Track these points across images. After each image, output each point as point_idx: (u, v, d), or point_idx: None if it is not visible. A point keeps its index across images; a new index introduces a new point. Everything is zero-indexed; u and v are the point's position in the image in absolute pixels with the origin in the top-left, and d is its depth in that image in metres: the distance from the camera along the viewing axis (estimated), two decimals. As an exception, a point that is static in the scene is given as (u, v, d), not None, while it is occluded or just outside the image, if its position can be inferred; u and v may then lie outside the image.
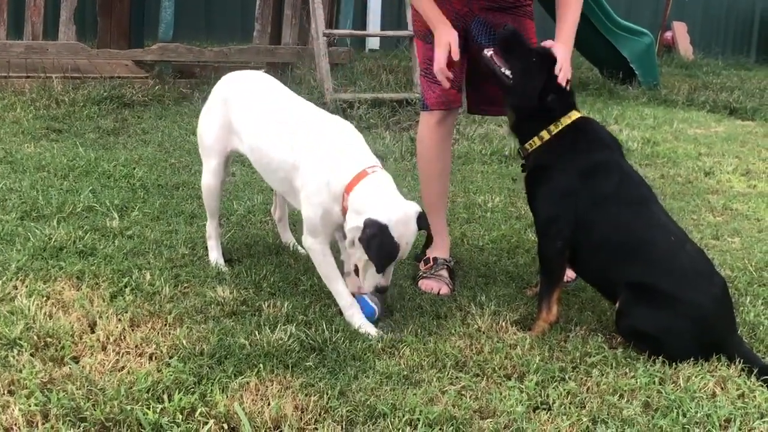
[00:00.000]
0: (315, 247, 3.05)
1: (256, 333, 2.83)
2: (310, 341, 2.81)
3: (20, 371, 2.50)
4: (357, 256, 2.95)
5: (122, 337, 2.77)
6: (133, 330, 2.83)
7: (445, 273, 3.44)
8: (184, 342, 2.75)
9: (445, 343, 2.87)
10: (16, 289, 3.06)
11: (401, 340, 2.89)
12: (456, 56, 3.22)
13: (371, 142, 5.63)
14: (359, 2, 8.77)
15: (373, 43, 11.47)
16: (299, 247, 3.59)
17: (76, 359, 2.62)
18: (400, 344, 2.86)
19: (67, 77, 6.86)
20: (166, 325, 2.89)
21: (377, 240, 2.81)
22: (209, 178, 3.42)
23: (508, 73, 3.15)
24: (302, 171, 3.01)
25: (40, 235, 3.50)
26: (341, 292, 3.04)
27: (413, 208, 2.94)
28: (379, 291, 2.99)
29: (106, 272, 3.23)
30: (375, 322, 3.02)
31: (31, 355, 2.61)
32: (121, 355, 2.67)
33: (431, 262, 3.47)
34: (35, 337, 2.69)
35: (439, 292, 3.36)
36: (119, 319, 2.87)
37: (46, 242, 3.44)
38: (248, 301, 3.11)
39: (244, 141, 3.28)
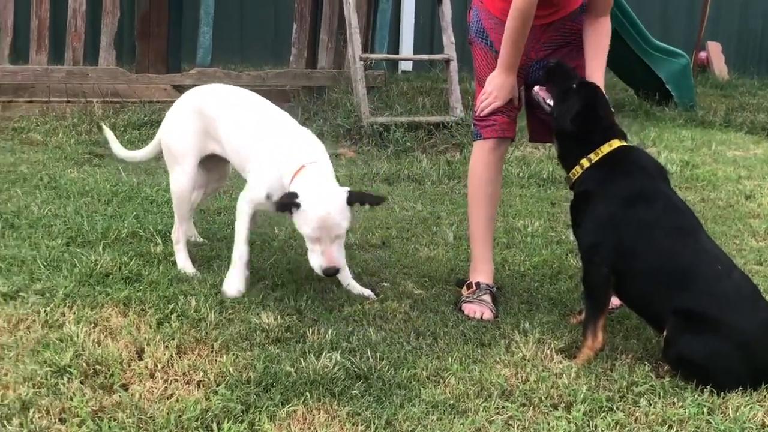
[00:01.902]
0: (244, 205, 3.42)
1: (301, 360, 2.84)
2: (355, 369, 2.81)
3: (71, 399, 2.53)
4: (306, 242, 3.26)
5: (170, 365, 2.79)
6: (180, 357, 2.85)
7: (488, 298, 3.44)
8: (231, 369, 2.76)
9: (490, 372, 2.86)
10: (64, 315, 3.10)
11: (445, 368, 2.88)
12: (516, 103, 3.40)
13: (408, 166, 5.68)
14: (393, 25, 8.80)
15: (405, 65, 11.51)
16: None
17: (125, 387, 2.65)
18: (445, 372, 2.86)
19: (107, 102, 6.96)
20: (212, 352, 2.91)
21: (281, 202, 3.20)
22: (183, 181, 3.62)
23: (550, 102, 3.22)
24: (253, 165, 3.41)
25: (86, 261, 3.54)
26: (240, 248, 3.42)
27: (340, 189, 3.27)
28: (326, 274, 3.21)
29: (152, 298, 3.26)
30: None
31: (81, 382, 2.63)
32: (169, 382, 2.69)
33: (474, 287, 3.47)
34: (84, 365, 2.71)
35: (482, 317, 3.35)
36: (166, 346, 2.89)
37: (92, 268, 3.48)
38: (292, 328, 3.13)
39: (224, 145, 3.56)
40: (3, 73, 7.00)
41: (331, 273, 3.25)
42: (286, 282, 3.57)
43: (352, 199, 3.26)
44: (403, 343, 3.08)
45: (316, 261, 3.23)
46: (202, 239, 4.05)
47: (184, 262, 3.66)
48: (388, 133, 6.23)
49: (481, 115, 3.43)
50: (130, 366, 2.76)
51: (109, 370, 2.71)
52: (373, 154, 6.02)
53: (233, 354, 2.89)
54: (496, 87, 3.34)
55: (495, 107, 3.36)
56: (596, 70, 3.31)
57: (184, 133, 3.62)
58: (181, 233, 3.69)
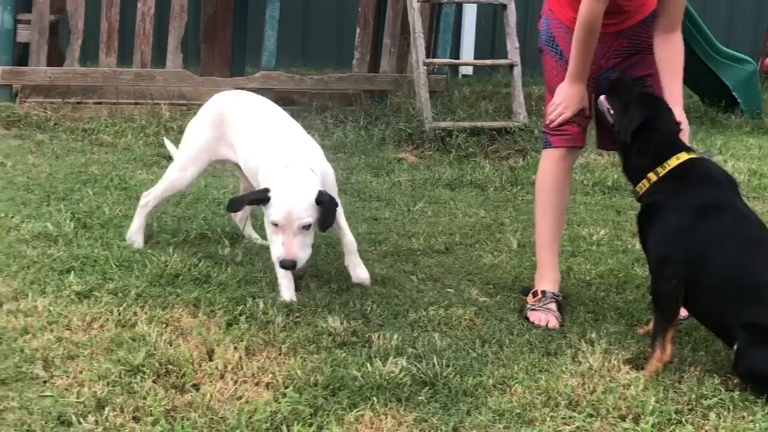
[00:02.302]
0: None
1: (368, 365, 2.86)
2: (421, 375, 2.83)
3: (144, 398, 2.59)
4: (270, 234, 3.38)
5: (239, 366, 2.83)
6: (249, 359, 2.89)
7: (554, 306, 3.43)
8: (299, 372, 2.80)
9: (557, 381, 2.85)
10: (136, 315, 3.16)
11: (512, 376, 2.88)
12: (586, 112, 3.39)
13: (470, 171, 5.67)
14: (453, 29, 8.79)
15: (466, 69, 11.49)
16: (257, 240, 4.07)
17: (196, 387, 2.70)
18: (511, 381, 2.85)
19: (173, 104, 7.07)
20: (280, 354, 2.95)
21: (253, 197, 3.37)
22: (182, 179, 3.85)
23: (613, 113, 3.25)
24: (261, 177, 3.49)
25: (157, 262, 3.61)
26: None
27: (312, 186, 3.34)
28: (284, 266, 3.29)
29: (221, 300, 3.31)
30: None
31: (154, 381, 2.69)
32: (239, 383, 2.73)
33: (540, 295, 3.46)
34: (157, 364, 2.77)
35: (547, 325, 3.34)
36: (236, 348, 2.94)
37: (163, 269, 3.55)
38: (358, 332, 3.15)
39: (238, 153, 3.72)
40: (74, 74, 7.16)
41: (285, 267, 3.31)
42: (350, 286, 3.60)
43: (321, 199, 3.31)
44: (468, 350, 3.08)
45: (276, 251, 3.30)
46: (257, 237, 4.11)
47: (135, 233, 3.87)
48: (450, 138, 6.23)
49: (552, 126, 3.42)
50: (200, 366, 2.81)
51: (180, 370, 2.76)
52: (435, 159, 6.02)
53: (301, 357, 2.92)
54: (566, 97, 3.33)
55: (565, 118, 3.35)
56: (674, 91, 3.28)
57: (199, 136, 3.81)
58: (152, 206, 3.92)
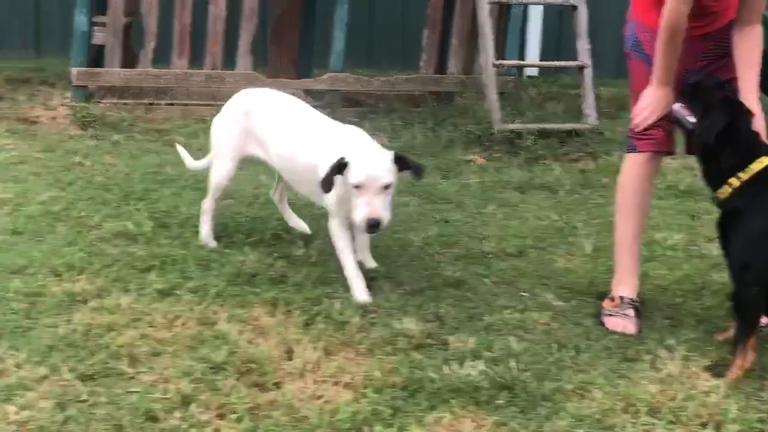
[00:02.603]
0: (334, 227, 3.58)
1: (445, 367, 2.88)
2: (499, 379, 2.83)
3: (228, 395, 2.64)
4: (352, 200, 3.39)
5: (318, 365, 2.87)
6: (327, 358, 2.93)
7: (631, 312, 3.40)
8: (377, 373, 2.83)
9: (636, 388, 2.84)
10: (216, 313, 3.23)
11: (590, 382, 2.87)
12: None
13: (540, 174, 5.64)
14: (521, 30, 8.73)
15: (530, 70, 11.40)
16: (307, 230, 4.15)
17: (277, 385, 2.74)
18: (590, 386, 2.84)
19: (243, 105, 7.15)
20: (357, 355, 2.98)
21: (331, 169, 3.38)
22: (222, 177, 3.98)
23: (692, 119, 3.20)
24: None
25: (234, 261, 3.68)
26: (349, 264, 3.53)
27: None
28: (369, 226, 3.33)
29: (298, 300, 3.36)
30: None
31: (236, 379, 2.75)
32: (318, 383, 2.77)
33: (617, 300, 3.43)
34: (239, 362, 2.83)
35: (624, 331, 3.32)
36: (314, 348, 2.98)
37: (240, 268, 3.61)
38: (433, 335, 3.17)
39: (269, 150, 3.82)
40: (146, 76, 7.29)
41: (373, 225, 3.34)
42: (424, 288, 3.61)
43: (397, 160, 3.43)
44: (545, 354, 3.08)
45: (361, 213, 3.33)
46: (304, 226, 4.18)
47: (206, 235, 3.96)
48: (519, 140, 6.20)
49: (637, 130, 3.38)
50: (280, 365, 2.86)
51: (261, 369, 2.81)
52: (503, 161, 5.99)
53: (378, 358, 2.95)
54: (651, 101, 3.29)
55: (650, 122, 3.31)
56: (750, 87, 3.24)
57: (228, 134, 3.97)
58: (210, 207, 4.01)
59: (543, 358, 3.04)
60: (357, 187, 3.34)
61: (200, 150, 5.84)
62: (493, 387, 2.79)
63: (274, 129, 3.84)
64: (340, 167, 3.38)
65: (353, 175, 3.35)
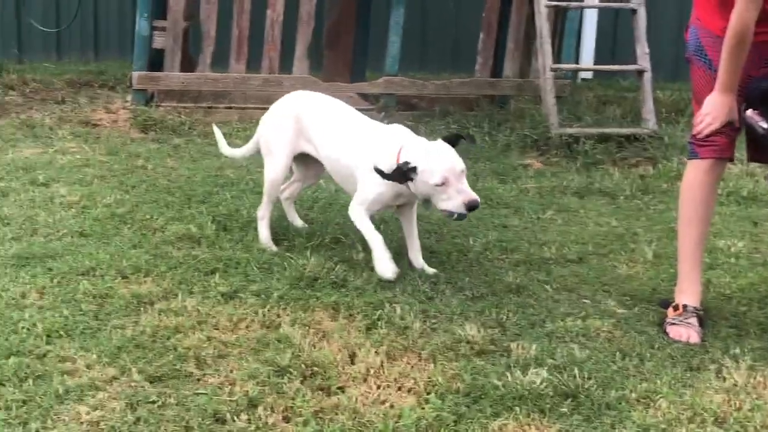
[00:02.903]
0: (360, 212, 3.76)
1: (508, 374, 2.87)
2: (563, 386, 2.81)
3: (293, 398, 2.67)
4: (437, 197, 3.52)
5: (381, 370, 2.89)
6: (390, 363, 2.94)
7: (695, 321, 3.36)
8: (440, 379, 2.83)
9: (701, 397, 2.80)
10: (279, 317, 3.26)
11: (655, 391, 2.84)
12: (736, 124, 3.28)
13: (599, 179, 5.59)
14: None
15: (585, 73, 11.31)
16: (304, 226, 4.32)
17: (341, 389, 2.76)
18: (655, 395, 2.82)
19: (299, 109, 7.21)
20: (420, 360, 2.99)
21: (398, 172, 3.54)
22: (277, 173, 4.09)
23: (764, 125, 3.15)
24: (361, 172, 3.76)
25: (296, 265, 3.71)
26: (377, 244, 3.69)
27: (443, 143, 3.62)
28: (473, 207, 3.50)
29: (359, 304, 3.38)
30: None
31: (301, 382, 2.77)
32: (382, 387, 2.79)
33: (681, 309, 3.40)
34: (303, 366, 2.85)
35: (688, 340, 3.28)
36: (376, 352, 2.99)
37: (302, 272, 3.64)
38: (496, 341, 3.17)
39: (319, 150, 3.99)
40: (205, 80, 7.39)
41: (475, 206, 3.50)
42: (485, 294, 3.61)
43: (451, 142, 3.62)
44: (608, 362, 3.05)
45: (456, 202, 3.47)
46: (303, 223, 4.37)
47: (266, 239, 4.04)
48: (577, 145, 6.16)
49: (700, 137, 3.34)
50: (344, 369, 2.88)
51: (325, 373, 2.84)
52: (561, 166, 5.97)
53: (440, 364, 2.96)
54: (714, 108, 3.25)
55: (713, 129, 3.27)
56: None
57: (281, 133, 4.08)
58: (267, 211, 4.09)
59: (606, 366, 3.02)
60: (441, 185, 3.46)
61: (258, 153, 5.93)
62: (556, 395, 2.78)
63: (321, 131, 3.99)
64: (409, 171, 3.50)
65: (434, 174, 3.47)
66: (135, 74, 7.22)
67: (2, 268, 3.54)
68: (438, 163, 3.48)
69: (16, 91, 8.08)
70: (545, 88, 6.48)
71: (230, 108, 7.25)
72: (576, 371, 2.91)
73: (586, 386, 2.83)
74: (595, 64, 9.17)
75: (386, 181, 3.61)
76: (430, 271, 3.84)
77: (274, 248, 4.00)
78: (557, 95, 6.76)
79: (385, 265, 3.65)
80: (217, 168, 5.43)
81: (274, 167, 4.09)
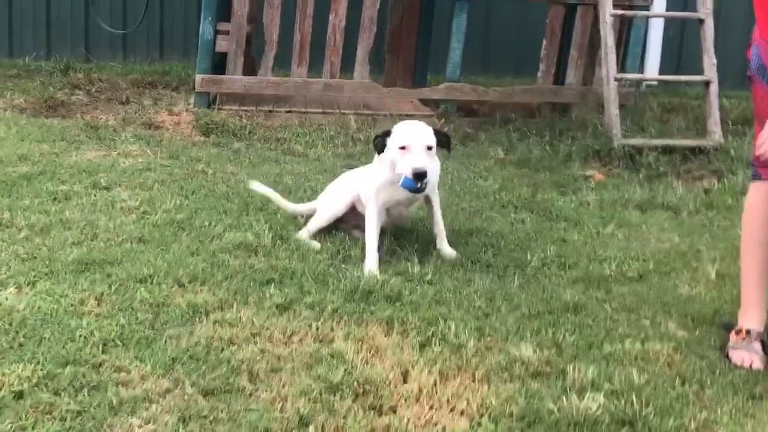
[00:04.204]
0: (370, 211, 4.04)
1: (563, 398, 2.81)
2: (620, 413, 2.75)
3: (344, 417, 2.65)
4: (397, 161, 3.87)
5: (434, 390, 2.85)
6: (443, 383, 2.91)
7: (758, 346, 3.26)
8: (493, 401, 2.79)
9: (764, 428, 2.71)
10: (333, 330, 3.25)
11: (715, 420, 2.76)
12: None
13: (662, 193, 5.47)
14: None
15: (651, 72, 11.12)
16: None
17: (393, 410, 2.74)
18: (715, 425, 2.73)
19: (358, 114, 7.23)
20: (473, 381, 2.95)
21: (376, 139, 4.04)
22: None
23: None
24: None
25: (351, 278, 3.70)
26: (371, 240, 3.96)
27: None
28: (416, 174, 3.76)
29: (414, 320, 3.35)
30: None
31: (353, 401, 2.75)
32: (434, 409, 2.75)
33: (744, 333, 3.30)
34: (355, 384, 2.83)
35: (751, 366, 3.18)
36: (430, 372, 2.96)
37: (356, 285, 3.63)
38: (551, 363, 3.10)
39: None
40: (267, 84, 7.45)
41: (419, 174, 3.75)
42: (541, 312, 3.55)
43: (438, 131, 4.00)
44: (667, 388, 2.97)
45: (408, 164, 3.78)
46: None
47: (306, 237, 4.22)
48: (639, 156, 6.05)
49: (762, 159, 3.23)
50: (396, 388, 2.85)
51: (378, 391, 2.81)
52: (623, 178, 5.86)
53: (494, 385, 2.91)
54: None
55: None
56: None
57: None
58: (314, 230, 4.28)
59: (665, 393, 2.94)
60: (402, 148, 3.82)
61: (317, 160, 5.96)
62: (613, 422, 2.71)
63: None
64: (385, 136, 3.94)
65: (399, 136, 3.87)
66: (198, 77, 7.31)
67: (62, 274, 3.59)
68: (409, 128, 3.89)
69: (82, 90, 8.24)
70: (608, 98, 6.37)
71: (290, 112, 7.29)
72: (633, 397, 2.84)
73: (643, 413, 2.76)
74: (660, 73, 8.99)
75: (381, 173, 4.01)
76: (449, 251, 4.13)
77: (317, 245, 4.11)
78: (621, 104, 6.65)
79: (370, 262, 3.90)
80: (275, 174, 5.45)
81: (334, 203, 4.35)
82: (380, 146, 3.98)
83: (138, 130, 6.62)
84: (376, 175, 4.06)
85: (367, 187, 4.13)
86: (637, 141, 6.24)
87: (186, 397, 2.71)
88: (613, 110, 6.28)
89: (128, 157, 5.69)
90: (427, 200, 4.19)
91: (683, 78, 7.61)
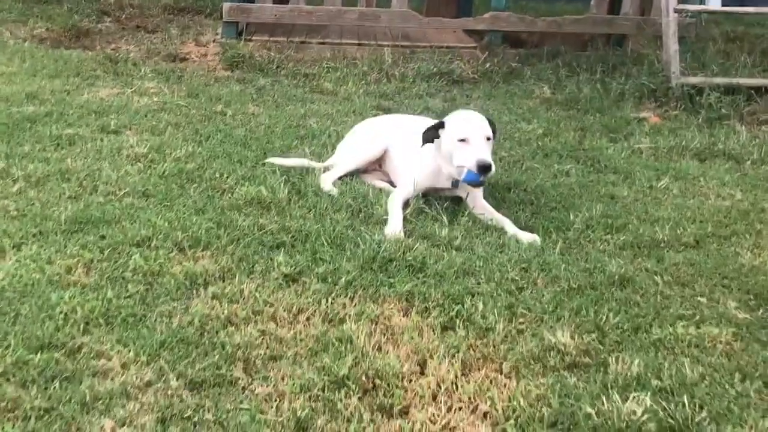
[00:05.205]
0: (396, 193, 3.77)
1: (603, 399, 2.44)
2: (669, 419, 2.37)
3: (348, 421, 2.31)
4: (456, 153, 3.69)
5: (454, 386, 2.49)
6: (465, 377, 2.54)
7: (834, 336, 2.83)
8: (522, 401, 2.42)
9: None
10: (345, 308, 2.89)
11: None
12: None
13: (723, 139, 4.97)
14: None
15: (714, 3, 10.38)
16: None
17: (405, 411, 2.39)
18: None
19: (396, 46, 6.77)
20: (500, 373, 2.59)
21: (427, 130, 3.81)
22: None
23: None
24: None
25: (370, 242, 3.32)
26: (396, 211, 3.60)
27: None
28: (481, 166, 3.57)
29: (437, 296, 2.98)
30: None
31: (359, 399, 2.41)
32: (453, 410, 2.40)
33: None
34: (363, 378, 2.48)
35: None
36: (451, 362, 2.60)
37: (376, 251, 3.25)
38: (591, 351, 2.72)
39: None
40: (299, 12, 7.01)
41: (485, 167, 3.55)
42: (582, 286, 3.14)
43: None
44: (725, 385, 2.58)
45: (471, 157, 3.58)
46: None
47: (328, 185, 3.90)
48: (700, 97, 5.52)
49: None
50: (410, 383, 2.50)
51: (389, 386, 2.46)
52: (681, 121, 5.36)
53: (524, 380, 2.54)
54: None
55: None
56: None
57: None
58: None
59: (723, 391, 2.54)
60: (462, 140, 3.63)
61: (347, 99, 5.54)
62: (660, 430, 2.33)
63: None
64: (437, 127, 3.76)
65: (458, 128, 3.68)
66: (225, 5, 6.87)
67: (52, 235, 3.26)
68: (468, 120, 3.73)
69: (111, 17, 7.89)
70: (667, 32, 5.82)
71: (323, 44, 6.85)
72: (685, 397, 2.45)
73: (696, 420, 2.39)
74: (723, 4, 8.31)
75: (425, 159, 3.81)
76: (535, 240, 3.54)
77: (336, 191, 3.83)
78: (682, 36, 6.09)
79: (394, 223, 3.53)
80: (300, 116, 5.06)
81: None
82: (431, 137, 3.78)
83: (160, 63, 6.26)
84: (422, 162, 3.85)
85: (406, 168, 3.91)
86: (697, 80, 5.70)
87: (169, 392, 2.39)
88: (671, 45, 5.74)
89: (143, 95, 5.34)
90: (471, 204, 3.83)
91: (751, 9, 6.96)
